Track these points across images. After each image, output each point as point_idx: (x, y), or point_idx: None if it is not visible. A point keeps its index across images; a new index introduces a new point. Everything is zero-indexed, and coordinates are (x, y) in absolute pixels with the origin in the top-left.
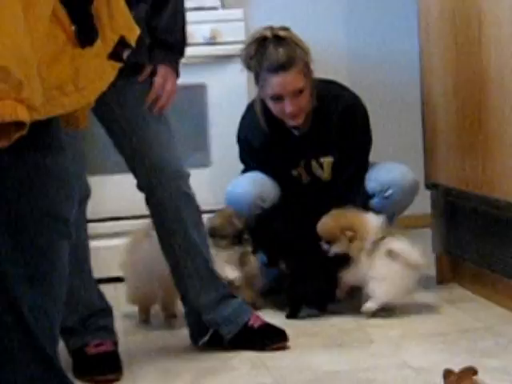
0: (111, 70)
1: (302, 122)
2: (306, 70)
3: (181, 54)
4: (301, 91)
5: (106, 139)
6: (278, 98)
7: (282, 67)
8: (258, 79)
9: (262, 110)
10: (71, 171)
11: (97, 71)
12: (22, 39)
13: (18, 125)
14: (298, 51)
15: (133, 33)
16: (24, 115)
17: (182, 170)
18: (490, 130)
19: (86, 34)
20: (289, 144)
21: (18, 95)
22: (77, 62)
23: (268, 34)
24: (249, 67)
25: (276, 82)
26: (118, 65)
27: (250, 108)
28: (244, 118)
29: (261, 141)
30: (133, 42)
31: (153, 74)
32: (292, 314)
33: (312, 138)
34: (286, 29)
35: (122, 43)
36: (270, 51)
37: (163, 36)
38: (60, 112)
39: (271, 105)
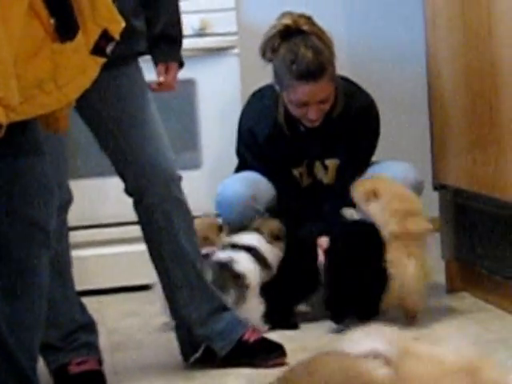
0: (94, 65)
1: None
2: (333, 73)
3: (181, 44)
4: (328, 98)
5: (88, 140)
6: (302, 105)
7: (312, 76)
8: (279, 76)
9: (282, 103)
10: (51, 176)
11: (78, 67)
12: None
13: None
14: (327, 53)
15: (117, 25)
16: (0, 116)
17: (173, 172)
18: (503, 127)
19: (65, 27)
20: (295, 140)
21: None
22: (57, 57)
23: (290, 23)
24: (267, 59)
25: (304, 91)
26: (102, 60)
27: (257, 96)
28: (248, 108)
29: (267, 134)
30: (117, 36)
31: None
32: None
33: (320, 137)
34: (308, 19)
35: (106, 37)
36: (300, 54)
37: (167, 30)
38: (40, 112)
39: (292, 107)
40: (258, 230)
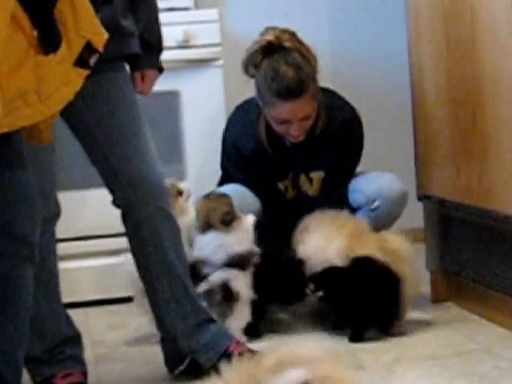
0: (77, 77)
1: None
2: (316, 90)
3: (161, 50)
4: (310, 115)
5: (71, 152)
6: (283, 122)
7: (292, 95)
8: (260, 92)
9: (264, 118)
10: (34, 189)
11: (62, 79)
12: None
13: None
14: (309, 70)
15: (100, 37)
16: None
17: (161, 185)
18: (486, 138)
19: (49, 39)
20: (280, 154)
21: None
22: (40, 69)
23: (272, 39)
24: (250, 75)
25: (284, 109)
26: (85, 72)
27: (241, 109)
28: (232, 121)
29: (251, 148)
30: (100, 47)
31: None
32: (357, 336)
33: (305, 151)
34: (292, 35)
35: (89, 48)
36: (280, 71)
37: (146, 36)
38: (23, 124)
39: (273, 124)
40: (207, 219)
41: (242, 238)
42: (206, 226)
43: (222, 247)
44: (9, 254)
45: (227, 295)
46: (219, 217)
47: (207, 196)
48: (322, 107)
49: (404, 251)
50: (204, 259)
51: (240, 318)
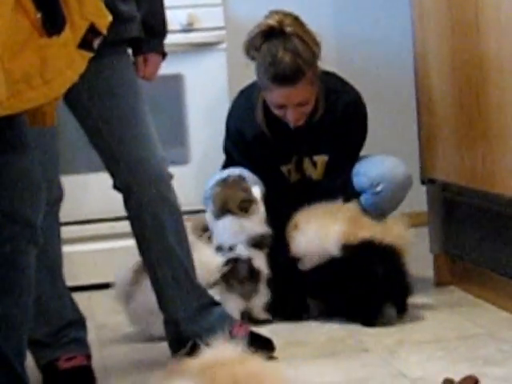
0: (81, 60)
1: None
2: (314, 77)
3: (164, 34)
4: (307, 101)
5: (74, 135)
6: (281, 106)
7: (288, 81)
8: (259, 76)
9: (262, 105)
10: (38, 172)
11: (66, 62)
12: None
13: None
14: (307, 56)
15: (104, 20)
16: None
17: (163, 171)
18: (490, 121)
19: (52, 21)
20: (283, 138)
21: None
22: (44, 52)
23: (274, 24)
24: (251, 57)
25: (280, 94)
26: (89, 54)
27: (244, 94)
28: (236, 106)
29: (254, 132)
30: (104, 30)
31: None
32: (370, 319)
33: (308, 134)
34: (295, 19)
35: (93, 31)
36: (277, 56)
37: (148, 20)
38: (26, 107)
39: (272, 107)
40: (225, 206)
41: (259, 219)
42: (222, 211)
43: (240, 231)
44: (12, 237)
45: (253, 272)
46: (237, 204)
47: (224, 181)
48: (321, 93)
49: (404, 236)
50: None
51: (263, 296)
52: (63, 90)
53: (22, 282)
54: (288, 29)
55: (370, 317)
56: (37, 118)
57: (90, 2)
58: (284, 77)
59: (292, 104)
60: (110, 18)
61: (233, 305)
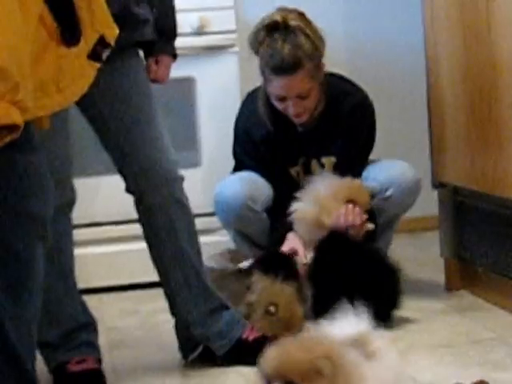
0: (91, 70)
1: (307, 119)
2: (315, 71)
3: (175, 36)
4: (307, 94)
5: (89, 138)
6: (281, 99)
7: (286, 71)
8: (261, 69)
9: (265, 101)
10: (46, 170)
11: (79, 72)
12: (18, 38)
13: (9, 127)
14: (308, 49)
15: (112, 31)
16: (18, 118)
17: (174, 173)
18: (502, 125)
19: (71, 32)
20: (291, 139)
21: (13, 97)
22: (60, 61)
23: (279, 19)
24: (256, 53)
25: (278, 84)
26: (97, 65)
27: (251, 96)
28: (244, 108)
29: (262, 133)
30: (112, 42)
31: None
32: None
33: (316, 136)
34: (300, 14)
35: (102, 42)
36: (277, 48)
37: (159, 22)
38: (41, 114)
39: (275, 102)
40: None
41: None
42: None
43: None
44: (23, 234)
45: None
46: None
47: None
48: (324, 91)
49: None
50: None
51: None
52: (75, 98)
53: (33, 279)
54: (292, 23)
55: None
56: (34, 121)
57: (100, 14)
58: (282, 67)
59: (291, 95)
60: (117, 30)
61: None
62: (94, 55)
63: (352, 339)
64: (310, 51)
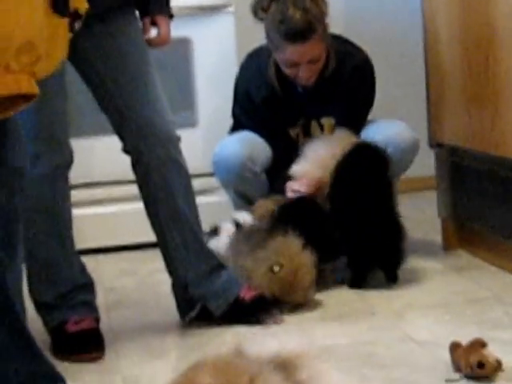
0: (67, 40)
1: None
2: (325, 34)
3: None
4: (318, 58)
5: (82, 99)
6: (293, 65)
7: (300, 37)
8: (269, 36)
9: (274, 65)
10: (19, 125)
11: (61, 41)
12: (39, 12)
13: (26, 96)
14: (317, 12)
15: (83, 4)
16: (36, 88)
17: (171, 133)
18: (499, 84)
19: (64, 2)
20: (291, 100)
21: (32, 68)
22: (52, 30)
23: None
24: (259, 18)
25: (292, 51)
26: (69, 35)
27: (253, 57)
28: (244, 69)
29: (263, 94)
30: (84, 14)
31: None
32: (357, 281)
33: (316, 96)
34: None
35: (74, 15)
36: (288, 14)
37: None
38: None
39: (283, 67)
40: None
41: None
42: None
43: None
44: (5, 187)
45: None
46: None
47: None
48: (331, 51)
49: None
50: None
51: None
52: (56, 67)
53: (20, 231)
54: None
55: (356, 279)
56: None
57: None
58: (296, 33)
59: (304, 61)
60: (87, 4)
61: None
62: (69, 27)
63: (279, 361)
64: (319, 15)
